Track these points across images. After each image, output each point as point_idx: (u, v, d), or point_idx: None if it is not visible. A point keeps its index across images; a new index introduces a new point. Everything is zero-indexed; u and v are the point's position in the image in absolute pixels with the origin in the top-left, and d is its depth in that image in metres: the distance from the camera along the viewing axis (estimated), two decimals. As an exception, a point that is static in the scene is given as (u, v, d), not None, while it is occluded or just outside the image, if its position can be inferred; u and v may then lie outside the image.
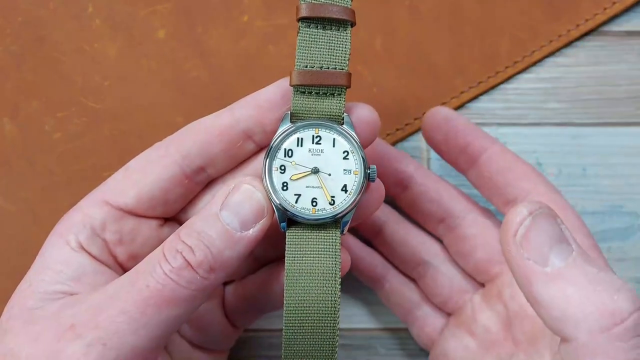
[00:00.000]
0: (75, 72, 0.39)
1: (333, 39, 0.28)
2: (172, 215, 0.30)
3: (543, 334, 0.30)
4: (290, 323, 0.27)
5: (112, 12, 0.39)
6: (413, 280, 0.37)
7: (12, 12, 0.39)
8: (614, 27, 0.40)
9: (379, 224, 0.36)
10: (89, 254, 0.28)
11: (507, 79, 0.40)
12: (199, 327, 0.32)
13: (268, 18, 0.40)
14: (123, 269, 0.29)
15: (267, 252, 0.33)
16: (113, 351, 0.24)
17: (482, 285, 0.35)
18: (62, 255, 0.28)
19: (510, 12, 0.40)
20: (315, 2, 0.28)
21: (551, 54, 0.40)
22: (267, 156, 0.28)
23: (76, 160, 0.39)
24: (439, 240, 0.36)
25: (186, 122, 0.30)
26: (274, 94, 0.29)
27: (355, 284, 0.39)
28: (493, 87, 0.40)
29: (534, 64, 0.40)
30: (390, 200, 0.37)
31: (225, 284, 0.34)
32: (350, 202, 0.28)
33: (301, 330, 0.27)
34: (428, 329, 0.36)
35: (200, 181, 0.30)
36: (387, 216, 0.36)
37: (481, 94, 0.40)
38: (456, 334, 0.35)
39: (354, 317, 0.39)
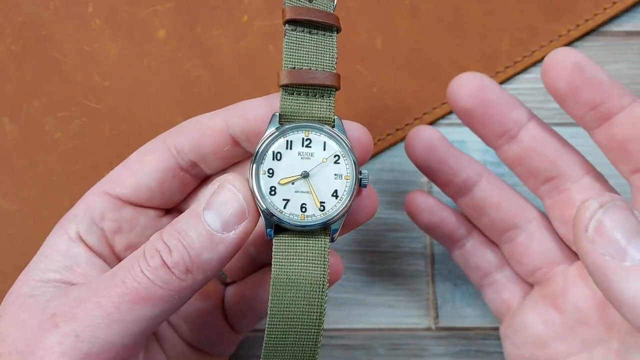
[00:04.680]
0: (76, 72, 0.39)
1: (319, 43, 0.28)
2: (173, 206, 0.31)
3: None
4: (272, 334, 0.26)
5: (113, 12, 0.40)
6: (495, 245, 0.35)
7: (12, 12, 0.39)
8: (614, 27, 0.40)
9: (470, 183, 0.33)
10: (86, 244, 0.28)
11: (507, 79, 0.40)
12: (198, 329, 0.32)
13: (268, 18, 0.40)
14: (120, 260, 0.29)
15: (266, 254, 0.33)
16: (85, 344, 0.24)
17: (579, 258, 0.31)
18: (59, 244, 0.28)
19: (510, 12, 0.40)
20: (300, 5, 0.28)
21: (551, 54, 0.40)
22: (254, 159, 0.27)
23: (76, 160, 0.39)
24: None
25: (186, 121, 0.30)
26: (261, 109, 0.28)
27: (356, 284, 0.39)
28: (493, 87, 0.40)
29: (534, 64, 0.40)
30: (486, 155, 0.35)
31: (226, 285, 0.34)
32: (341, 208, 0.27)
33: (282, 343, 0.26)
34: (506, 294, 0.34)
35: (197, 174, 0.30)
36: (480, 174, 0.33)
37: (481, 94, 0.40)
38: (538, 306, 0.32)
39: (354, 317, 0.39)
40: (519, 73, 0.40)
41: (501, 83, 0.39)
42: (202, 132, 0.29)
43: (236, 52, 0.39)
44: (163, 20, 0.40)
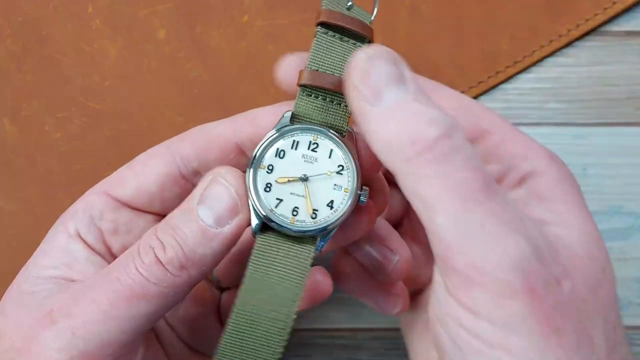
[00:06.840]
0: (76, 72, 0.39)
1: (348, 52, 0.27)
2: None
3: None
4: (233, 333, 0.25)
5: (113, 12, 0.39)
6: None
7: (12, 12, 0.39)
8: (614, 27, 0.40)
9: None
10: (85, 242, 0.28)
11: (507, 79, 0.40)
12: (195, 332, 0.32)
13: (268, 18, 0.40)
14: None
15: None
16: (81, 340, 0.24)
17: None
18: (59, 241, 0.28)
19: (511, 12, 0.40)
20: (337, 9, 0.27)
21: (551, 53, 0.40)
22: (255, 155, 0.26)
23: (76, 160, 0.39)
24: None
25: (186, 122, 0.30)
26: (272, 117, 0.28)
27: (356, 284, 0.39)
28: (493, 87, 0.40)
29: (534, 63, 0.40)
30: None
31: (222, 290, 0.34)
32: (333, 221, 0.26)
33: (241, 344, 0.25)
34: None
35: (197, 183, 0.30)
36: None
37: (481, 94, 0.40)
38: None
39: (355, 317, 0.39)
40: (519, 73, 0.40)
41: (501, 83, 0.39)
42: (208, 139, 0.29)
43: (236, 53, 0.39)
44: (163, 20, 0.39)
